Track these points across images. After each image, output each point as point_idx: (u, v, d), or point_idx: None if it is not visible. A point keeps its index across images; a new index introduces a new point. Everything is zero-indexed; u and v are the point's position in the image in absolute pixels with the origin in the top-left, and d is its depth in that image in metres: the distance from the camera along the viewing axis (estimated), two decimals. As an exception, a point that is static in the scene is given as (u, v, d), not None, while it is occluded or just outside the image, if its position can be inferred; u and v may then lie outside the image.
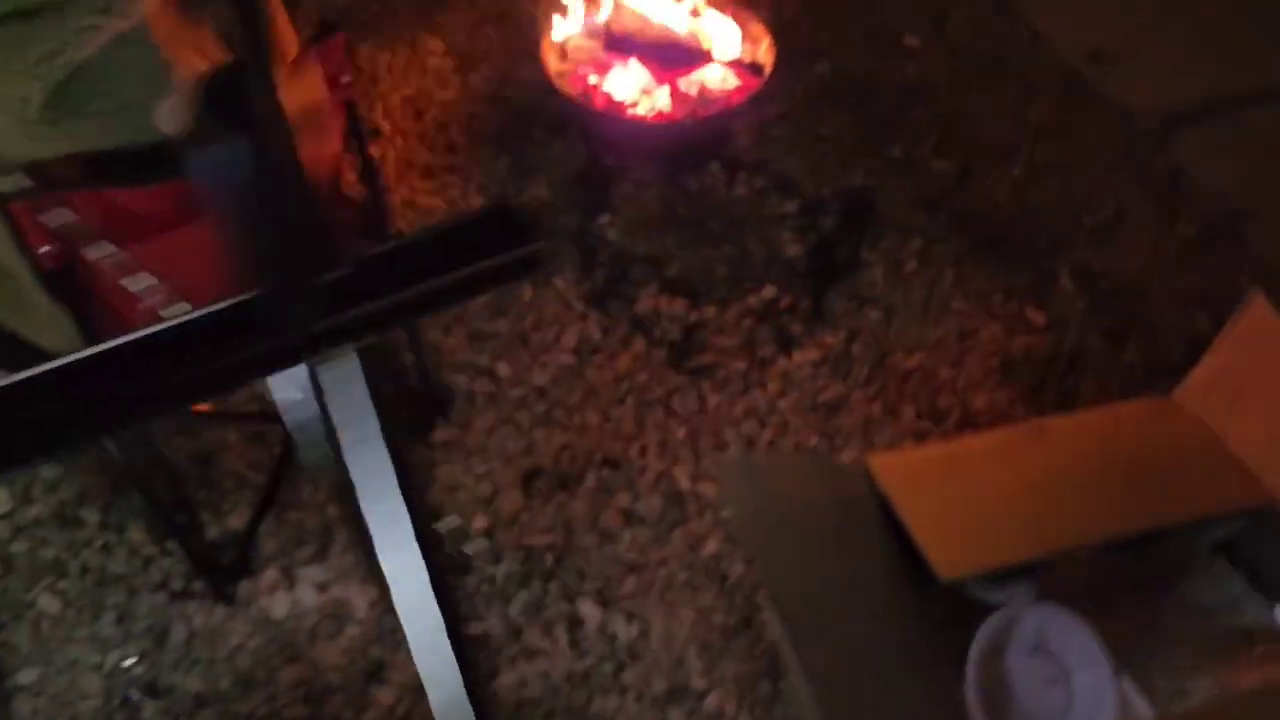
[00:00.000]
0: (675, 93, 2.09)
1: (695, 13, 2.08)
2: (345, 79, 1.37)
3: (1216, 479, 1.38)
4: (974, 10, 2.71)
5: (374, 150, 2.26)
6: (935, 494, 1.39)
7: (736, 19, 2.18)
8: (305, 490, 1.75)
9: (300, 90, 1.30)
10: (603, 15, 2.08)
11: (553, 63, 2.12)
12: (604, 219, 2.15)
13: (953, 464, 1.45)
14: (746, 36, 2.19)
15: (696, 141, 2.14)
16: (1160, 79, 2.60)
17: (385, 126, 2.31)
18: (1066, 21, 2.72)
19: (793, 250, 2.11)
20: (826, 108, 2.37)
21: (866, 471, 1.42)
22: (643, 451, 1.82)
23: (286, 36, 1.33)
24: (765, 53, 2.13)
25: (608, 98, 2.10)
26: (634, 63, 2.06)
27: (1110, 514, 1.35)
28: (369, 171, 1.59)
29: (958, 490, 1.40)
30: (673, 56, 2.05)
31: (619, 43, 2.03)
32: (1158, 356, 2.02)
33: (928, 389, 1.93)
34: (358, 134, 1.48)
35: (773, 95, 2.36)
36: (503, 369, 1.92)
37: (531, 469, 1.79)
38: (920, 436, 1.85)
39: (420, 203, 2.17)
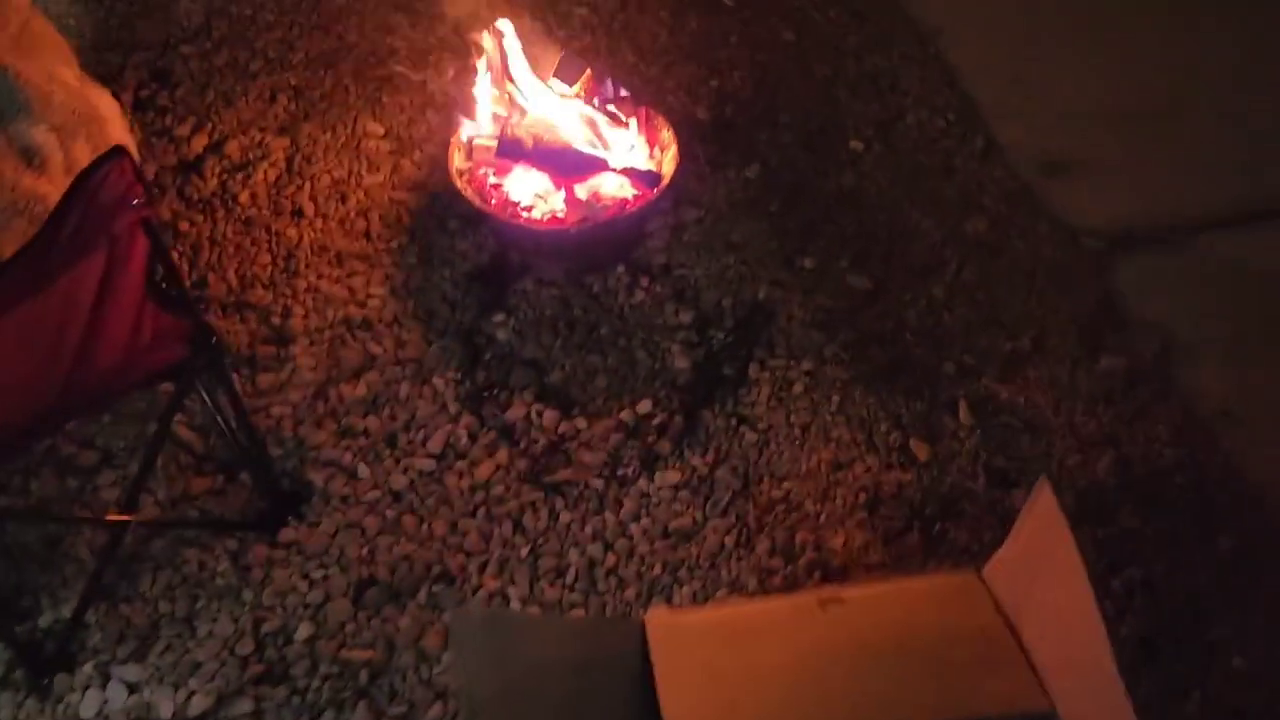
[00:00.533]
0: (570, 198, 2.09)
1: (593, 123, 2.08)
2: (136, 200, 1.39)
3: (1000, 676, 1.31)
4: (931, 116, 2.65)
5: (292, 232, 2.31)
6: (703, 663, 1.35)
7: (648, 125, 2.17)
8: (144, 582, 1.78)
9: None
10: (503, 119, 2.09)
11: (457, 159, 2.13)
12: (498, 317, 2.15)
13: (731, 631, 1.40)
14: (655, 143, 2.17)
15: (589, 247, 2.13)
16: (1114, 197, 2.51)
17: (309, 209, 2.36)
18: (1028, 131, 2.64)
19: (680, 363, 2.08)
20: (746, 213, 2.34)
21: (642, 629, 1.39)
22: (482, 568, 1.81)
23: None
24: (669, 161, 2.11)
25: (504, 199, 2.11)
26: (528, 168, 2.06)
27: (876, 704, 1.29)
28: (175, 283, 1.61)
29: (727, 661, 1.35)
30: (567, 164, 2.05)
31: (512, 149, 2.03)
32: (1042, 504, 1.93)
33: (788, 523, 1.88)
34: (161, 250, 1.50)
35: (695, 198, 2.35)
36: (363, 470, 1.93)
37: (367, 578, 1.80)
38: (768, 574, 1.80)
39: (324, 289, 2.21)
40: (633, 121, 2.12)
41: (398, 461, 1.94)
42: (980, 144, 2.61)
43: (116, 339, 1.51)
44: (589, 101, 2.09)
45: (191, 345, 1.59)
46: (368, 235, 2.30)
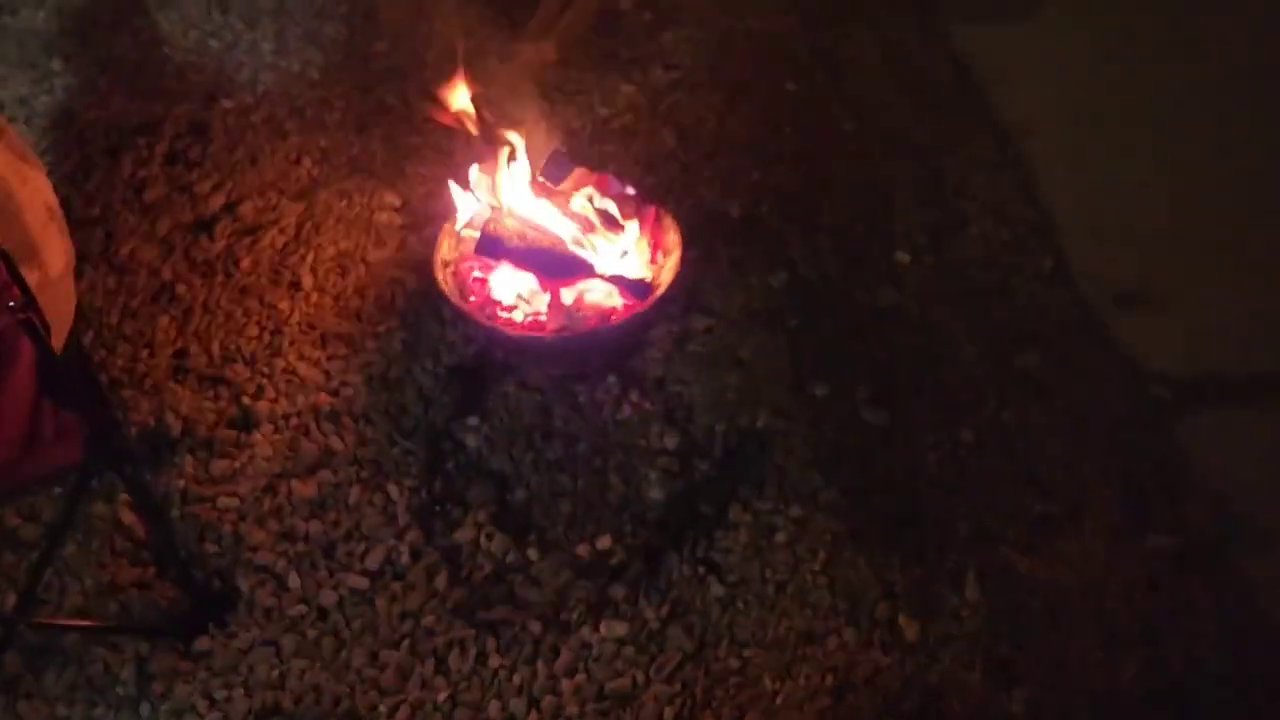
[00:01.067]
0: (554, 303, 1.92)
1: (584, 223, 1.91)
2: (12, 303, 1.29)
3: None
4: (996, 227, 2.39)
5: (285, 306, 2.22)
6: None
7: (655, 226, 1.99)
8: (49, 678, 1.69)
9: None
10: (487, 213, 1.95)
11: (445, 249, 2.00)
12: (472, 421, 2.00)
13: None
14: (660, 247, 1.99)
15: (571, 355, 1.96)
16: (1192, 339, 2.19)
17: (307, 281, 2.27)
18: (1105, 254, 2.35)
19: (655, 494, 1.89)
20: (762, 326, 2.13)
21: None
22: (393, 710, 1.65)
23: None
24: (669, 269, 1.93)
25: (486, 297, 1.96)
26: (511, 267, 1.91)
27: None
28: (77, 382, 1.51)
29: None
30: (550, 266, 1.89)
31: (491, 247, 1.88)
32: (1046, 713, 1.65)
33: (740, 700, 1.65)
34: (45, 353, 1.39)
35: (707, 306, 2.15)
36: (294, 580, 1.80)
37: (270, 706, 1.66)
38: (706, 760, 1.58)
39: (300, 373, 2.10)
40: (632, 224, 1.94)
41: (331, 574, 1.80)
42: (1048, 264, 2.34)
43: (6, 438, 1.42)
44: (585, 199, 1.92)
45: (92, 445, 1.49)
46: (359, 316, 2.19)
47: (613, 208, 1.94)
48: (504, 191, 1.91)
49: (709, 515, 1.85)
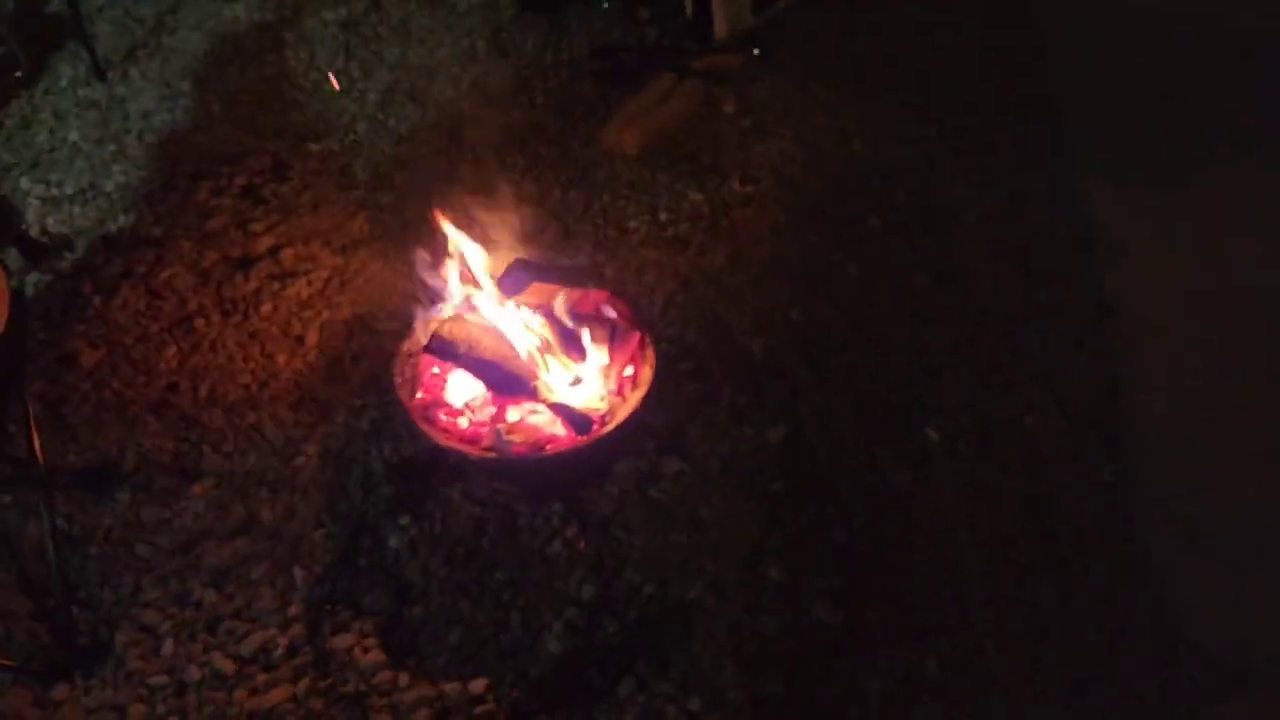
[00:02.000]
0: (496, 417, 1.80)
1: (544, 344, 1.77)
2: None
3: None
4: (1057, 421, 2.08)
5: (281, 360, 2.21)
6: None
7: (637, 356, 1.83)
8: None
9: None
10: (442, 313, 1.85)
11: (417, 339, 1.92)
12: (403, 519, 1.90)
13: None
14: (630, 380, 1.83)
15: (499, 476, 1.82)
16: (1259, 605, 1.81)
17: (311, 338, 2.26)
18: (1183, 478, 2.00)
19: (552, 646, 1.72)
20: (738, 485, 1.92)
21: None
22: (199, 815, 1.55)
23: None
24: (627, 408, 1.76)
25: (437, 397, 1.86)
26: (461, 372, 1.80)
27: None
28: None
29: None
30: (497, 380, 1.76)
31: (441, 348, 1.78)
32: None
33: None
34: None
35: (686, 449, 1.97)
36: (168, 648, 1.75)
37: (89, 776, 1.59)
38: None
39: (266, 433, 2.08)
40: (600, 350, 1.79)
41: (205, 650, 1.73)
42: (1107, 476, 2.00)
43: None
44: (545, 317, 1.79)
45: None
46: (345, 381, 2.14)
47: (586, 329, 1.79)
48: (461, 292, 1.80)
49: (598, 687, 1.66)
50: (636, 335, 1.87)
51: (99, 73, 2.99)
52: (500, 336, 1.77)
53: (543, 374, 1.75)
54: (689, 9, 3.01)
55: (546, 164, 2.62)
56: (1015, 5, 3.10)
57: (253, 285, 2.37)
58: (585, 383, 1.79)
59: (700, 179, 2.54)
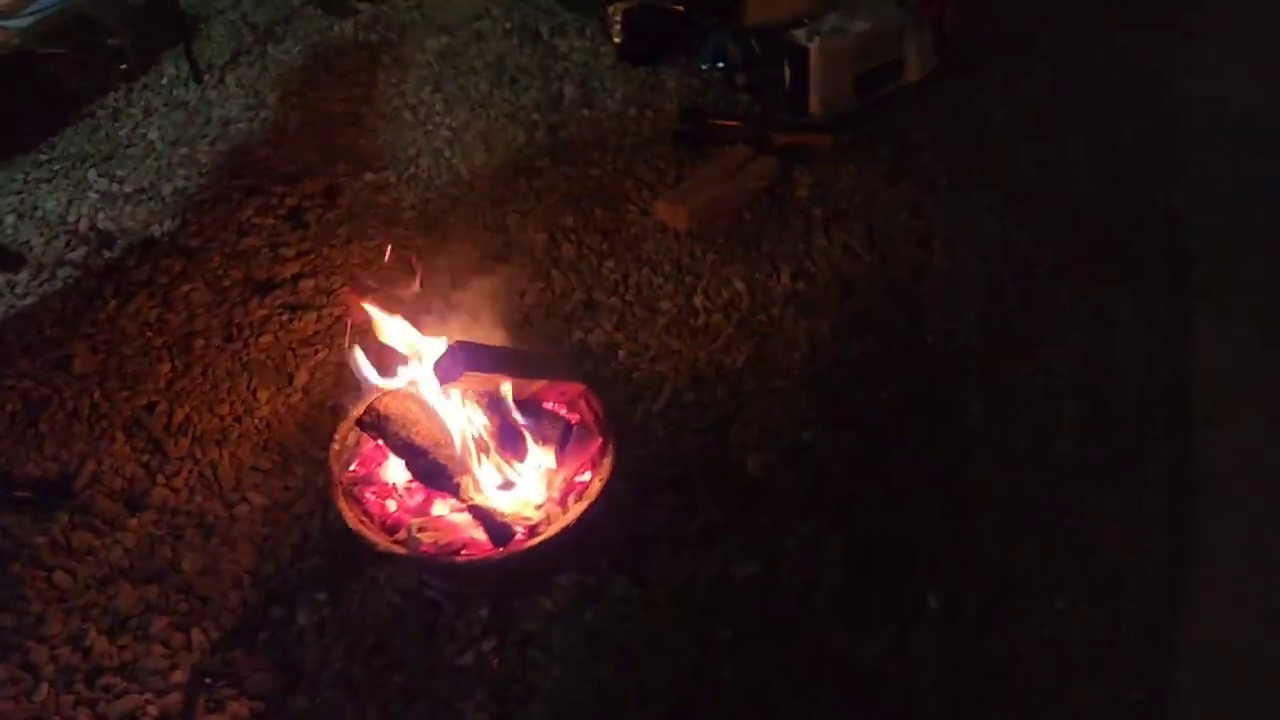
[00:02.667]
0: (419, 507, 1.63)
1: (479, 441, 1.59)
2: None
3: None
4: (1088, 614, 1.76)
5: (263, 396, 2.11)
6: None
7: (593, 462, 1.63)
8: None
9: None
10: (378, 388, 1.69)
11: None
12: (322, 595, 1.76)
13: None
14: (577, 490, 1.63)
15: (430, 573, 1.65)
16: None
17: (301, 379, 2.16)
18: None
19: (429, 779, 1.52)
20: (682, 622, 1.69)
21: None
22: None
23: None
24: (560, 522, 1.56)
25: (373, 472, 1.71)
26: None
27: None
28: None
29: None
30: (423, 470, 1.60)
31: (373, 426, 1.63)
32: None
33: None
34: None
35: (640, 571, 1.75)
36: (42, 692, 1.66)
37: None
38: None
39: (221, 473, 1.98)
40: (544, 452, 1.60)
41: (76, 704, 1.63)
42: (1136, 697, 1.67)
43: None
44: (486, 411, 1.61)
45: None
46: (317, 430, 2.02)
47: (532, 427, 1.60)
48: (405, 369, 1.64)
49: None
50: (598, 441, 1.67)
51: (196, 75, 3.02)
52: (434, 422, 1.61)
53: (473, 470, 1.57)
54: (787, 80, 2.80)
55: (595, 226, 2.45)
56: (1158, 114, 2.75)
57: (263, 312, 2.30)
58: (519, 487, 1.59)
59: (752, 265, 2.32)
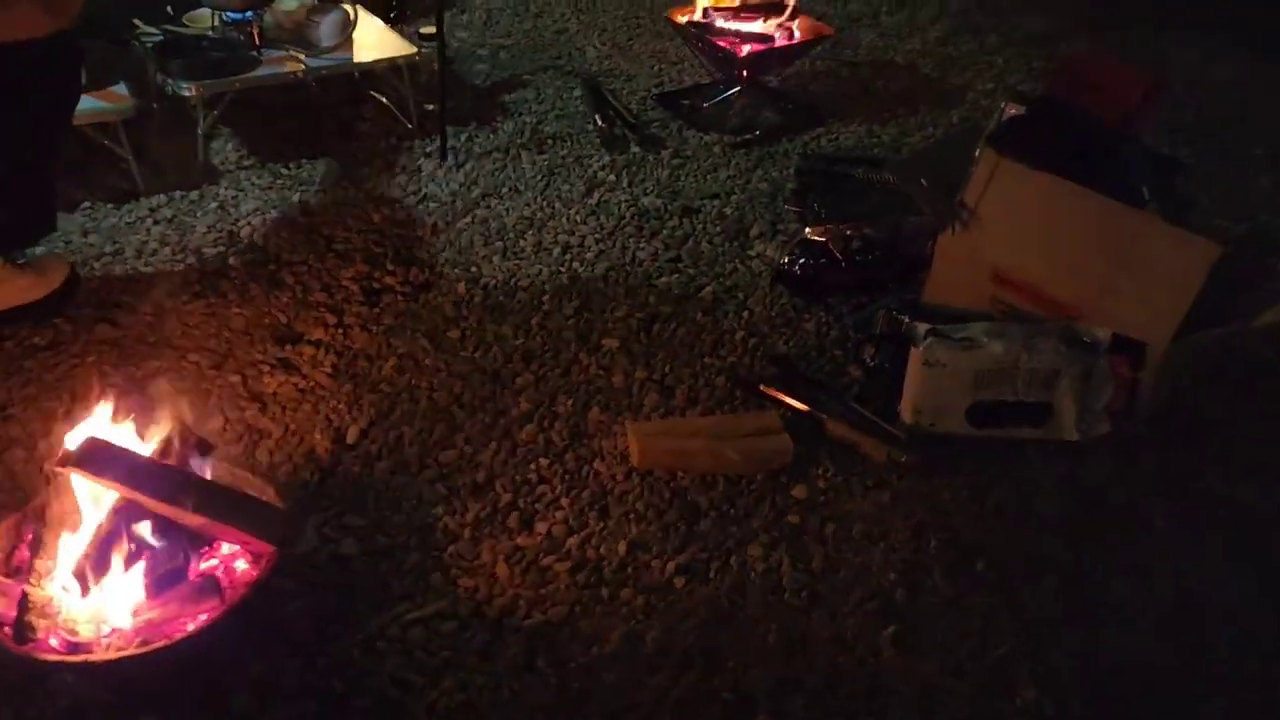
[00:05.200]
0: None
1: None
2: None
3: None
4: None
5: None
6: None
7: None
8: None
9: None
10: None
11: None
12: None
13: None
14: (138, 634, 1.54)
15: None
16: None
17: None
18: None
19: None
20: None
21: None
22: None
23: None
24: (101, 654, 1.49)
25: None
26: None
27: None
28: None
29: None
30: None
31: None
32: None
33: None
34: None
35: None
36: None
37: None
38: None
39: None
40: (129, 583, 1.52)
41: None
42: None
43: None
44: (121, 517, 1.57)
45: None
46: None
47: (153, 556, 1.55)
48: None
49: None
50: (215, 601, 1.56)
51: (443, 153, 3.31)
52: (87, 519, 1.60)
53: (54, 558, 1.54)
54: (880, 363, 2.41)
55: (573, 416, 2.29)
56: None
57: (300, 357, 2.44)
58: (95, 601, 1.53)
59: (748, 535, 2.02)
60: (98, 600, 1.54)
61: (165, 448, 1.65)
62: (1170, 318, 2.26)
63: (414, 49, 3.28)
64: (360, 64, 3.23)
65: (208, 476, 1.66)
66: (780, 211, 3.14)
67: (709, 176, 3.32)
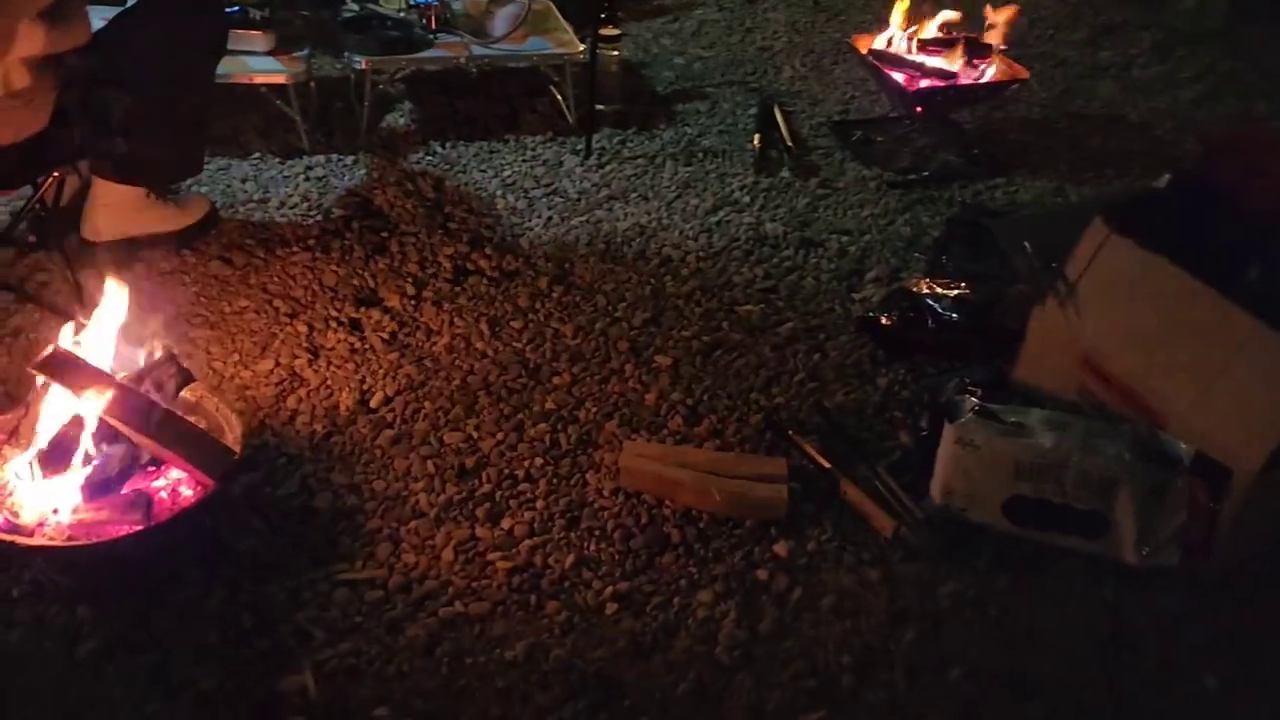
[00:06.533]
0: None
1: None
2: None
3: None
4: None
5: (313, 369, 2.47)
6: None
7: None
8: None
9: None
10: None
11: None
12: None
13: None
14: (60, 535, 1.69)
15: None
16: None
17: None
18: None
19: None
20: None
21: None
22: None
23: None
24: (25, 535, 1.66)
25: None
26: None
27: None
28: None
29: None
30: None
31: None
32: None
33: None
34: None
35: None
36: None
37: None
38: None
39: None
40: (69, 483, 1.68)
41: None
42: None
43: None
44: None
45: None
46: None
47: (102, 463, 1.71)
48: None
49: None
50: (139, 516, 1.70)
51: (587, 153, 3.39)
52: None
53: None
54: (912, 442, 2.23)
55: (578, 428, 2.29)
56: None
57: (328, 333, 2.61)
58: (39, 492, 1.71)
59: (615, 565, 1.98)
60: (43, 492, 1.71)
61: (148, 367, 1.80)
62: (1265, 444, 1.93)
63: (579, 49, 3.35)
64: (520, 56, 3.34)
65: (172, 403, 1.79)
66: (909, 259, 2.95)
67: (849, 212, 3.17)
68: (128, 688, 1.66)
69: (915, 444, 2.28)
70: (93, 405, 1.69)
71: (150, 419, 1.70)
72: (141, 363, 1.82)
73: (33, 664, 1.69)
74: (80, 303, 2.46)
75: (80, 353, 1.74)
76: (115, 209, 2.59)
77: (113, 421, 1.70)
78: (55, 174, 2.31)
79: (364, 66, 3.19)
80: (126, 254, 2.65)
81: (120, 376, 1.78)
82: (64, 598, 1.77)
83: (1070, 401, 2.24)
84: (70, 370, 1.69)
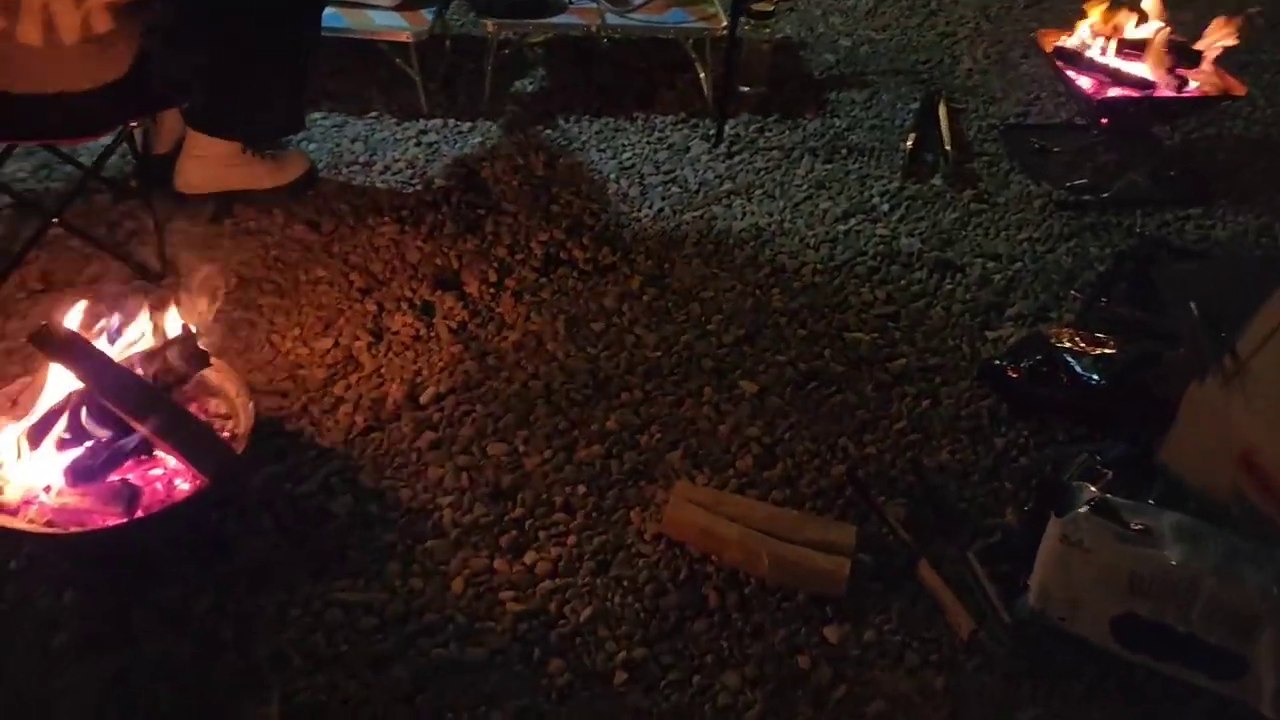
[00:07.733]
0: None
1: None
2: None
3: None
4: None
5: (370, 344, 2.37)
6: None
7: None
8: None
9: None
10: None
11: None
12: None
13: None
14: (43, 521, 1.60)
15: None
16: None
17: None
18: None
19: None
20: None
21: None
22: None
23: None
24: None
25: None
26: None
27: None
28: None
29: None
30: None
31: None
32: None
33: None
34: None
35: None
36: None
37: None
38: None
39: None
40: (54, 463, 1.58)
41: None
42: None
43: None
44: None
45: None
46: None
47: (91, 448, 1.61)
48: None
49: None
50: (119, 510, 1.59)
51: (718, 138, 3.12)
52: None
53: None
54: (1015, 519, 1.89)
55: (635, 454, 2.06)
56: None
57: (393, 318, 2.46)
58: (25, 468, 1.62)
59: (637, 626, 1.75)
60: (28, 469, 1.62)
61: (160, 346, 1.69)
62: None
63: (721, 24, 3.07)
64: (656, 27, 3.09)
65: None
66: (1062, 297, 2.56)
67: (1003, 233, 2.78)
68: (89, 689, 1.55)
69: (1021, 527, 1.93)
70: (85, 385, 1.58)
71: (143, 404, 1.57)
72: (155, 340, 1.70)
73: (12, 647, 1.61)
74: (160, 258, 2.40)
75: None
76: (208, 162, 2.52)
77: (106, 404, 1.59)
78: (134, 123, 2.23)
79: (489, 29, 3.01)
80: (217, 209, 2.57)
81: (130, 354, 1.66)
82: (53, 579, 1.69)
83: (1218, 504, 1.84)
84: (65, 346, 1.58)
